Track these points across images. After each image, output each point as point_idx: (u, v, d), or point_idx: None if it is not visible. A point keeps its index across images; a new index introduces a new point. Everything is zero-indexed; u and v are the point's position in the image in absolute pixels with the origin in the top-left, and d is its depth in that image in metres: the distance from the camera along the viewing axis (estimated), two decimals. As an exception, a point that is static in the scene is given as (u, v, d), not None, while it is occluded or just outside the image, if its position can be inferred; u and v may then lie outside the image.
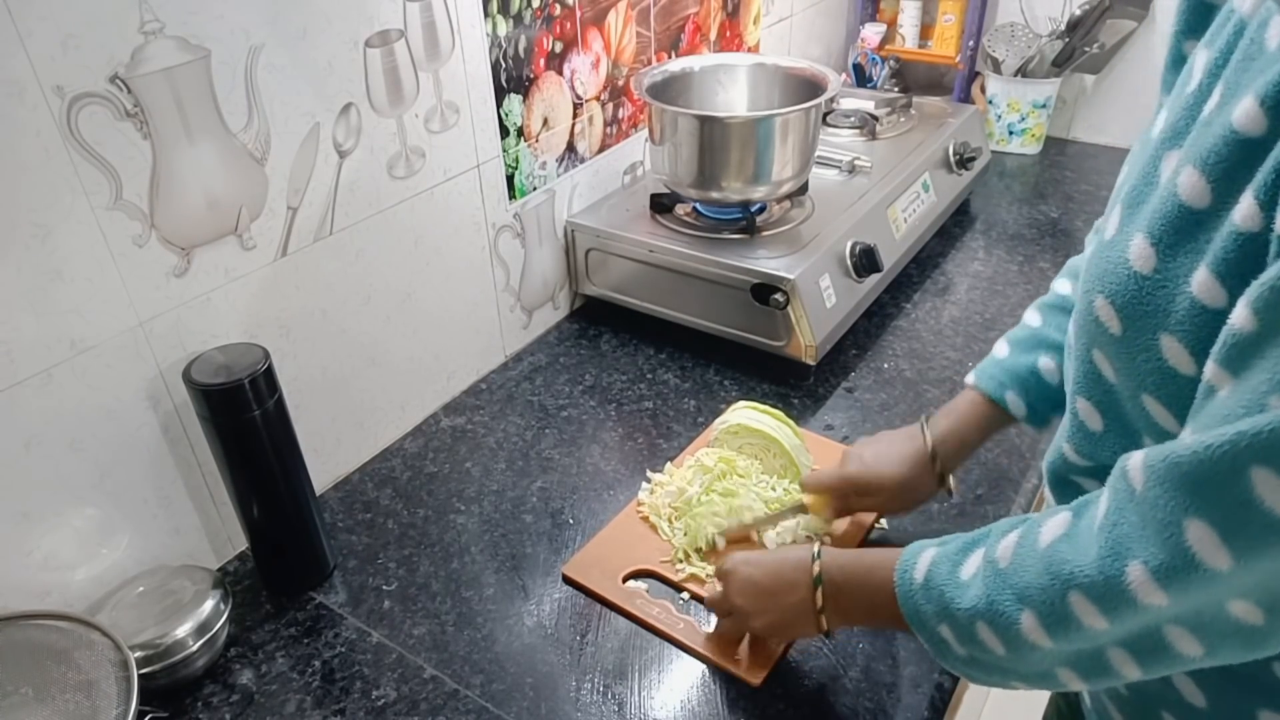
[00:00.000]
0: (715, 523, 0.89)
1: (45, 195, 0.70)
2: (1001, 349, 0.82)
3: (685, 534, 0.90)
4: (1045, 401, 0.78)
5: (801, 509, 0.88)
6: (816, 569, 0.70)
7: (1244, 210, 0.44)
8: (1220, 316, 0.46)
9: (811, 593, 0.70)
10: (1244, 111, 0.45)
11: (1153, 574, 0.46)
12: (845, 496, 0.86)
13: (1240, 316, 0.43)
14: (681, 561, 0.88)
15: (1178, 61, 0.60)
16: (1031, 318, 0.81)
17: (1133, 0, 1.66)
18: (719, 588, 0.77)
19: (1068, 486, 0.66)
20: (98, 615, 0.75)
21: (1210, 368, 0.45)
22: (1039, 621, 0.52)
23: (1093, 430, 0.60)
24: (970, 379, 0.83)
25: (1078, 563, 0.50)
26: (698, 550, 0.89)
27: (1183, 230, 0.48)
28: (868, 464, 0.84)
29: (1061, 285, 0.80)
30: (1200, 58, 0.53)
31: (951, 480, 0.83)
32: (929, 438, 0.83)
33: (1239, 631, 0.46)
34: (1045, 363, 0.78)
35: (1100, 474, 0.61)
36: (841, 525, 0.91)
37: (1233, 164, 0.46)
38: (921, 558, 0.63)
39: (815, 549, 0.71)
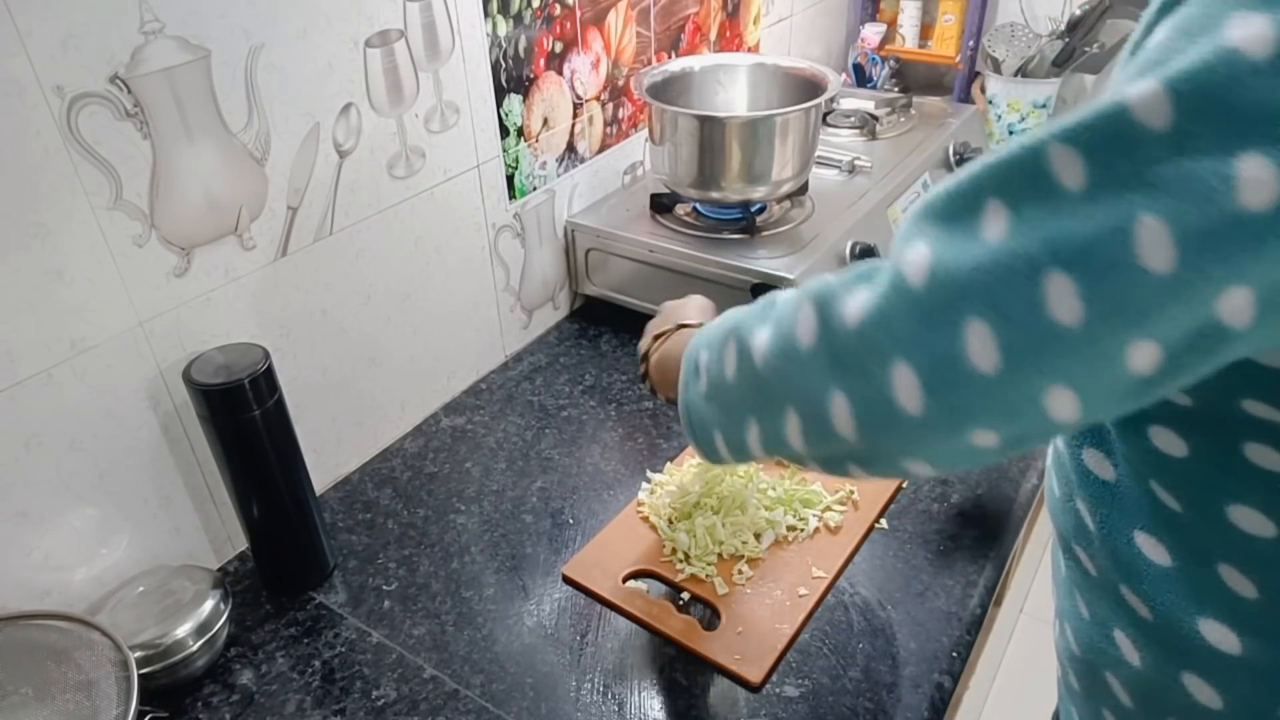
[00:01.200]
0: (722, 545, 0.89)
1: (45, 195, 0.70)
2: None
3: (690, 540, 0.90)
4: None
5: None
6: (646, 344, 0.76)
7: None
8: None
9: (644, 366, 0.76)
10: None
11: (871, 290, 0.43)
12: None
13: None
14: (682, 562, 0.88)
15: None
16: None
17: (1133, 0, 1.66)
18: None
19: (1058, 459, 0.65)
20: (98, 615, 0.75)
21: None
22: (770, 334, 0.50)
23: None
24: None
25: (833, 281, 0.47)
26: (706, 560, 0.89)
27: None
28: None
29: None
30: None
31: None
32: None
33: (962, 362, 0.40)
34: None
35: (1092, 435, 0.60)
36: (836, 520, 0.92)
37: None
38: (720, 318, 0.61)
39: (674, 326, 0.75)
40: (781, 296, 0.53)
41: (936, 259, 0.41)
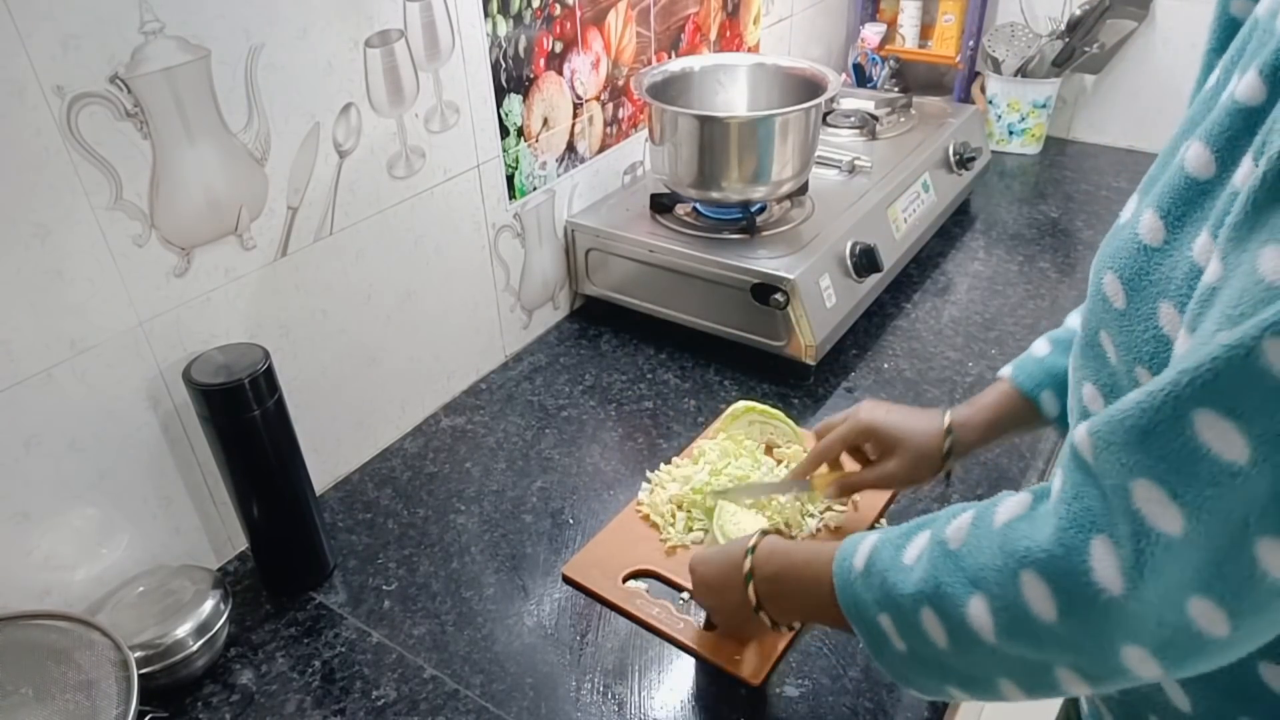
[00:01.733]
0: (714, 490, 0.90)
1: (45, 195, 0.70)
2: (1042, 347, 0.80)
3: (687, 516, 0.90)
4: None
5: (805, 488, 0.89)
6: (747, 565, 0.68)
7: (1243, 173, 0.44)
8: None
9: (743, 591, 0.68)
10: (1246, 83, 0.46)
11: (1117, 551, 0.43)
12: (856, 457, 0.85)
13: (1211, 269, 0.42)
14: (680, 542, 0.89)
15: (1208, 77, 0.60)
16: (1074, 320, 0.80)
17: (1133, 0, 1.66)
18: None
19: None
20: (98, 615, 0.75)
21: (1181, 336, 0.44)
22: (988, 607, 0.49)
23: (1095, 414, 0.60)
24: (1006, 371, 0.82)
25: (1035, 538, 0.47)
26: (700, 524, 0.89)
27: (1189, 201, 0.48)
28: (884, 419, 0.83)
29: None
30: (1221, 60, 0.54)
31: (955, 468, 0.82)
32: (947, 416, 0.82)
33: (1201, 645, 0.42)
34: None
35: None
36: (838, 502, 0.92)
37: (1235, 133, 0.46)
38: (862, 545, 0.60)
39: (752, 542, 0.69)
40: (961, 543, 0.52)
41: (1188, 504, 0.40)
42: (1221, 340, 0.38)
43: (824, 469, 0.88)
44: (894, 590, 0.55)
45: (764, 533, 0.71)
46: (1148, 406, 0.41)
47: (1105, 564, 0.43)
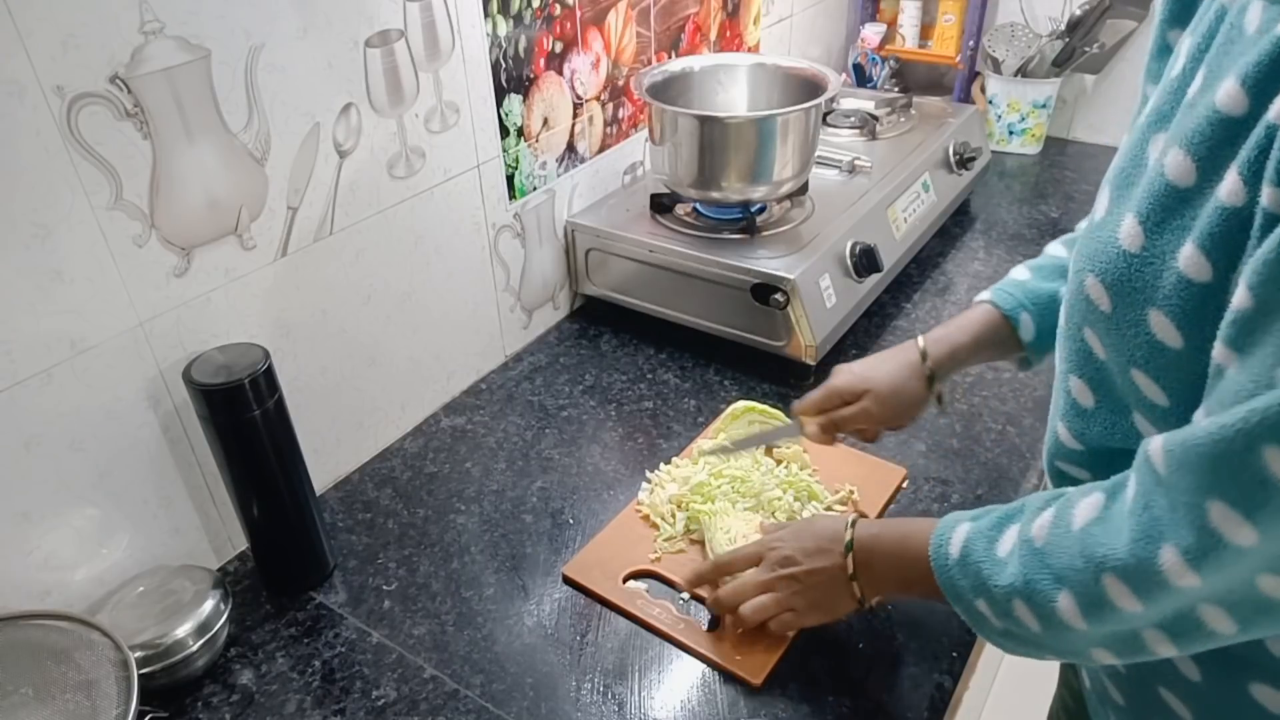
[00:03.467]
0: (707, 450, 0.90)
1: (45, 195, 0.70)
2: (1021, 272, 0.82)
3: (687, 517, 0.91)
4: (1054, 332, 0.79)
5: (798, 429, 0.89)
6: (849, 535, 0.71)
7: (1228, 186, 0.46)
8: (1205, 290, 0.48)
9: (843, 559, 0.71)
10: (1226, 92, 0.47)
11: (1184, 556, 0.47)
12: (834, 410, 0.85)
13: (1240, 295, 0.44)
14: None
15: (1163, 50, 0.62)
16: (1056, 249, 0.81)
17: (1133, 0, 1.66)
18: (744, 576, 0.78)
19: (1063, 479, 0.66)
20: (98, 615, 0.75)
21: (1218, 349, 0.46)
22: (1075, 603, 0.53)
23: (1084, 407, 0.61)
24: (984, 295, 0.83)
25: (1111, 546, 0.51)
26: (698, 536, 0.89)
27: (1170, 209, 0.50)
28: (856, 373, 0.85)
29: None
30: (1184, 44, 0.55)
31: (942, 391, 0.83)
32: (921, 340, 0.83)
33: (1269, 606, 0.47)
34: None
35: (1091, 461, 0.62)
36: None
37: (1216, 143, 0.47)
38: (956, 532, 0.63)
39: (850, 518, 0.73)
40: (1044, 541, 0.55)
41: (1262, 523, 0.44)
42: None
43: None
44: (989, 581, 0.59)
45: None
46: (1220, 439, 0.44)
47: (1176, 566, 0.47)
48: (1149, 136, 0.55)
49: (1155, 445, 0.49)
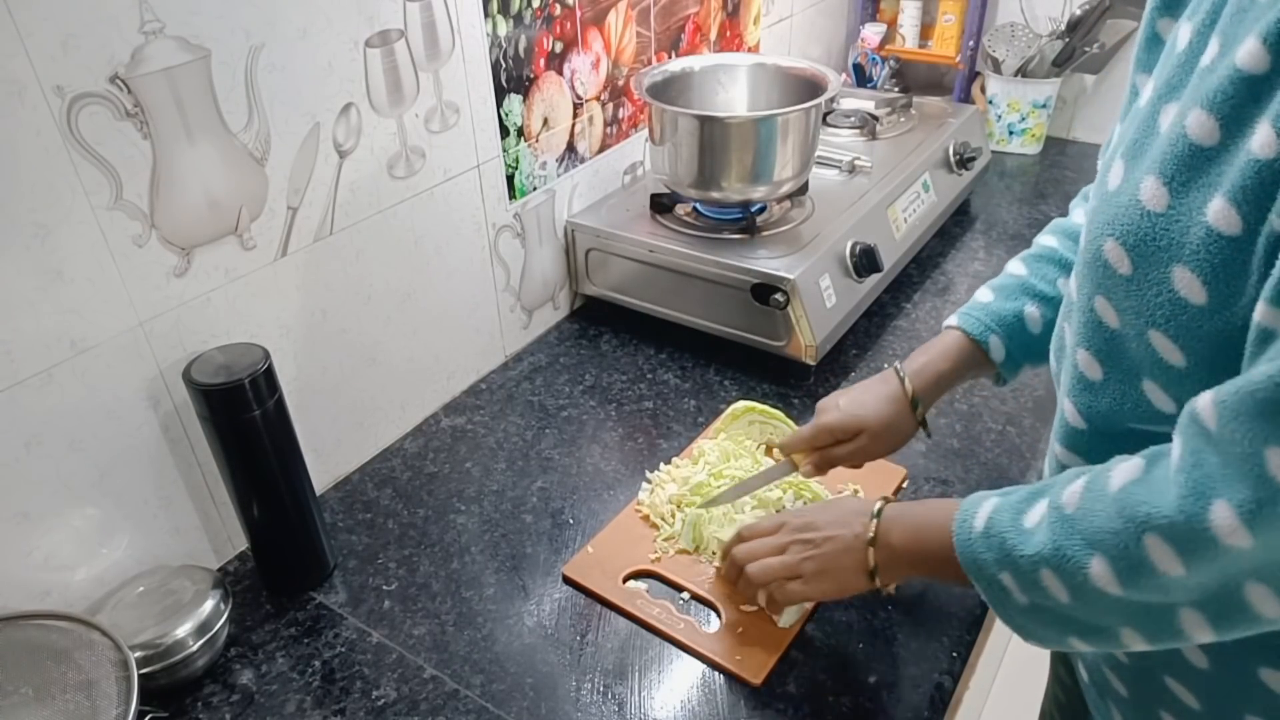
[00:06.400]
0: (718, 529, 0.89)
1: (45, 195, 0.70)
2: (985, 295, 0.83)
3: (685, 524, 0.90)
4: (1023, 350, 0.80)
5: (791, 468, 0.88)
6: (879, 504, 0.72)
7: (1261, 139, 0.46)
8: (1234, 243, 0.48)
9: (864, 527, 0.71)
10: (1248, 51, 0.48)
11: (1238, 512, 0.45)
12: (825, 448, 0.85)
13: None
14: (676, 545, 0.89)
15: (1152, 40, 0.63)
16: (1016, 268, 0.83)
17: (1133, 0, 1.66)
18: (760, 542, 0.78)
19: (1063, 470, 0.66)
20: (98, 615, 0.75)
21: (1263, 309, 0.46)
22: (1110, 567, 0.51)
23: (1092, 380, 0.61)
24: (952, 320, 0.84)
25: (1155, 504, 0.49)
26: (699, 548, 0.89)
27: (1195, 167, 0.50)
28: (844, 409, 0.84)
29: (1046, 239, 0.82)
30: (1182, 28, 0.56)
31: (926, 418, 0.84)
32: (903, 373, 0.83)
33: None
34: (1030, 310, 0.80)
35: (1092, 446, 0.62)
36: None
37: (1240, 101, 0.48)
38: (982, 506, 0.62)
39: (877, 505, 0.72)
40: (1076, 507, 0.55)
41: None
42: None
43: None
44: (1014, 551, 0.57)
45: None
46: None
47: (1228, 523, 0.46)
48: (1159, 108, 0.55)
49: (1204, 400, 0.48)
